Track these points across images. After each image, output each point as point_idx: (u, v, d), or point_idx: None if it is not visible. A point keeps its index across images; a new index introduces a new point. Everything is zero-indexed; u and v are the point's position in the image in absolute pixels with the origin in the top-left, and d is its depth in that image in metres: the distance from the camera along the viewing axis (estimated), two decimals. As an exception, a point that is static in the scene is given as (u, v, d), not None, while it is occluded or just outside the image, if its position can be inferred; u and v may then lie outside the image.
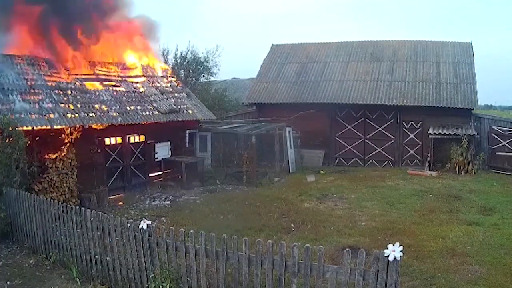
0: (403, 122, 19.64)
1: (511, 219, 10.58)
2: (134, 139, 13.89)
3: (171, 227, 6.13)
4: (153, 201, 12.93)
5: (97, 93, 13.11)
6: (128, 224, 6.31)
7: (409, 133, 19.61)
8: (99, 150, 12.75)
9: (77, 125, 11.53)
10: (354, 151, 20.30)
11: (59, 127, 11.07)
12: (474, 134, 17.32)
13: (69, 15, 12.25)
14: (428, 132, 18.00)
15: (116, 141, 13.33)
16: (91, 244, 6.84)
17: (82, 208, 7.03)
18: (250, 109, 22.77)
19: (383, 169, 18.70)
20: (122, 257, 6.44)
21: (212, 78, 28.03)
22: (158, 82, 15.97)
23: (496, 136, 18.06)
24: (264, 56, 23.92)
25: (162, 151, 15.17)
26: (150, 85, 15.48)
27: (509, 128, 17.90)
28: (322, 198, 13.12)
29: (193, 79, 26.24)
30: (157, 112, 14.23)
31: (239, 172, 16.32)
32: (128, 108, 13.43)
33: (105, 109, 12.68)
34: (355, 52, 22.38)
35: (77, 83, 12.85)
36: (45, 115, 10.95)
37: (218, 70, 27.65)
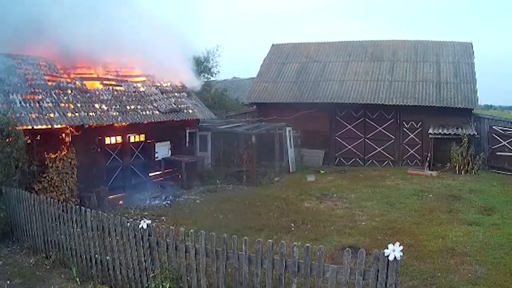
0: (403, 122, 19.64)
1: (511, 219, 10.58)
2: (134, 138, 13.88)
3: (171, 227, 6.13)
4: (153, 201, 12.93)
5: (97, 93, 13.10)
6: (128, 224, 6.31)
7: (409, 133, 19.61)
8: (99, 150, 12.74)
9: (77, 124, 11.52)
10: (354, 150, 20.31)
11: (59, 126, 11.07)
12: (474, 134, 17.33)
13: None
14: (428, 132, 18.00)
15: (116, 140, 13.33)
16: (91, 243, 6.84)
17: (82, 207, 7.03)
18: (250, 108, 22.79)
19: (383, 169, 18.70)
20: (122, 257, 6.44)
21: (212, 78, 28.09)
22: (158, 82, 15.96)
23: (496, 136, 18.07)
24: (264, 56, 23.94)
25: (162, 150, 15.17)
26: (150, 84, 15.47)
27: (509, 128, 17.91)
28: (322, 198, 13.12)
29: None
30: (157, 112, 14.23)
31: (239, 171, 16.33)
32: (128, 107, 13.42)
33: (105, 108, 12.67)
34: (355, 52, 22.39)
35: (77, 82, 12.84)
36: (45, 115, 10.94)
37: (218, 71, 27.76)
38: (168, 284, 5.80)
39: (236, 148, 17.49)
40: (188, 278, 5.85)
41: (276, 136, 17.70)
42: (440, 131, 17.69)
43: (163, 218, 10.86)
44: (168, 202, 12.83)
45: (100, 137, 12.72)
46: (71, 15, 11.77)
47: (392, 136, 19.83)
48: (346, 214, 11.26)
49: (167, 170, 15.05)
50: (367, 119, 20.14)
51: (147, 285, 6.11)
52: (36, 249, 8.05)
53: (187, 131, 16.55)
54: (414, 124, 19.50)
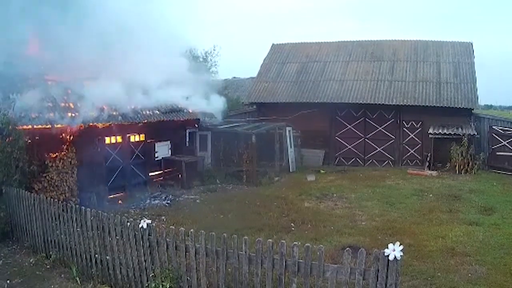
0: (403, 122, 19.65)
1: (511, 219, 10.59)
2: (134, 138, 13.88)
3: (171, 226, 6.13)
4: (153, 200, 12.92)
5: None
6: (128, 223, 6.31)
7: (409, 132, 19.61)
8: (99, 149, 12.73)
9: (77, 124, 11.51)
10: (354, 150, 20.31)
11: (59, 126, 11.06)
12: (474, 134, 17.33)
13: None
14: (428, 132, 18.00)
15: (116, 140, 13.32)
16: (91, 243, 6.84)
17: (82, 207, 7.03)
18: (250, 108, 22.79)
19: (383, 168, 18.70)
20: (122, 256, 6.44)
21: (211, 78, 28.15)
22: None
23: (496, 136, 18.07)
24: (264, 56, 23.94)
25: (162, 150, 15.17)
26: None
27: (509, 128, 17.91)
28: (322, 198, 13.12)
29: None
30: (157, 111, 14.22)
31: (239, 171, 16.31)
32: (128, 107, 13.40)
33: (106, 108, 12.65)
34: (355, 52, 22.39)
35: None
36: (46, 114, 10.93)
37: (217, 71, 27.84)
38: (168, 284, 5.80)
39: (236, 148, 17.49)
40: (188, 278, 5.84)
41: (276, 136, 17.70)
42: (440, 131, 17.69)
43: (163, 217, 10.86)
44: (168, 201, 12.82)
45: (100, 137, 12.71)
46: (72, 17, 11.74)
47: (392, 136, 19.83)
48: (346, 214, 11.26)
49: (167, 170, 15.06)
50: (367, 119, 20.14)
51: (147, 284, 6.11)
52: (36, 248, 8.05)
53: (187, 130, 16.55)
54: (414, 124, 19.50)
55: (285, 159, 18.27)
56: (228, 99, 26.26)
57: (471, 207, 11.73)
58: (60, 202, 7.46)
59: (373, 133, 20.05)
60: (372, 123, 20.08)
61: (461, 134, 17.15)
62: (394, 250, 4.36)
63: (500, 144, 17.86)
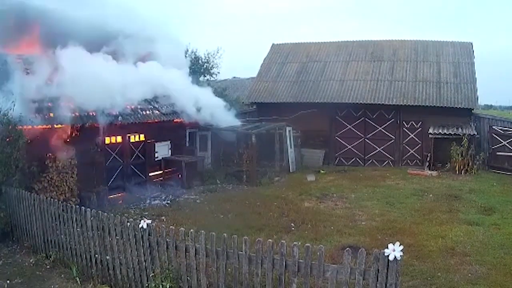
0: (403, 122, 19.64)
1: (511, 219, 10.59)
2: (134, 138, 13.87)
3: (171, 226, 6.13)
4: (153, 200, 12.93)
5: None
6: (128, 223, 6.31)
7: (409, 133, 19.61)
8: (99, 149, 12.73)
9: (77, 124, 11.51)
10: (354, 150, 20.31)
11: (59, 126, 11.05)
12: (474, 134, 17.33)
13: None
14: (428, 132, 18.00)
15: (116, 140, 13.32)
16: (91, 243, 6.84)
17: (82, 207, 7.03)
18: (250, 108, 22.79)
19: (383, 168, 18.70)
20: (122, 256, 6.44)
21: (212, 79, 28.19)
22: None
23: (496, 136, 18.07)
24: (265, 55, 23.94)
25: (162, 150, 15.17)
26: (151, 84, 15.41)
27: (509, 128, 17.91)
28: (322, 198, 13.12)
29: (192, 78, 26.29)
30: (157, 112, 14.22)
31: (239, 171, 16.32)
32: (128, 107, 13.41)
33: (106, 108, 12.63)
34: (355, 52, 22.38)
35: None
36: (46, 114, 10.93)
37: (219, 72, 27.85)
38: (168, 284, 5.80)
39: (236, 148, 17.48)
40: (188, 278, 5.84)
41: (276, 136, 17.69)
42: (440, 131, 17.69)
43: (163, 218, 10.85)
44: (168, 202, 12.82)
45: (100, 137, 12.70)
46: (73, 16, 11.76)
47: (392, 136, 19.83)
48: (346, 214, 11.26)
49: (167, 170, 15.05)
50: (367, 119, 20.13)
51: (147, 284, 6.11)
52: (36, 248, 8.05)
53: (187, 130, 16.55)
54: (414, 124, 19.50)
55: (285, 159, 18.26)
56: (228, 99, 26.36)
57: (471, 207, 11.73)
58: (60, 202, 7.47)
59: (373, 133, 20.05)
60: (372, 123, 20.08)
61: (461, 134, 17.15)
62: (394, 250, 4.36)
63: (500, 144, 17.86)
